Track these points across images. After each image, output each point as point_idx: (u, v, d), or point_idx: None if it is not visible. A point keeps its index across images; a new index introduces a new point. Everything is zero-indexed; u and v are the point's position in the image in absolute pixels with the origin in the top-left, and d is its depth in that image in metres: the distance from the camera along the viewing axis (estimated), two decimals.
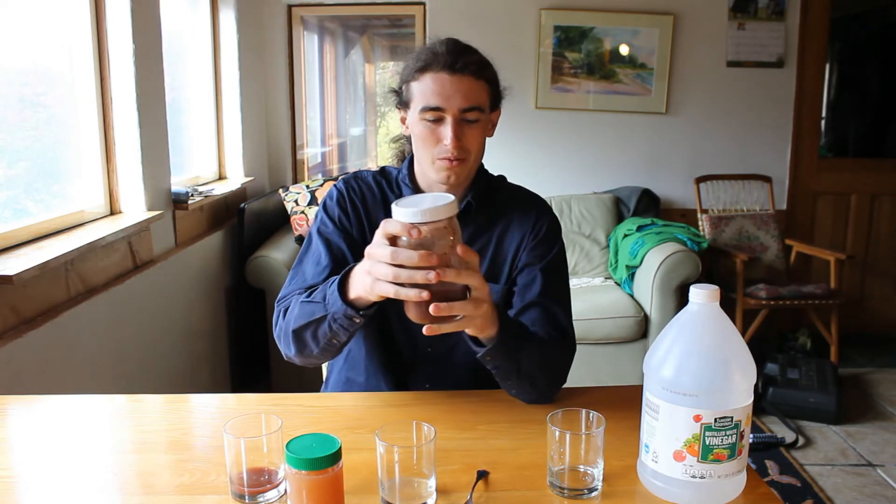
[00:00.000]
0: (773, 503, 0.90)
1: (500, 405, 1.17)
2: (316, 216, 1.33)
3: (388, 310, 1.27)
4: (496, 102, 1.27)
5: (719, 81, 3.71)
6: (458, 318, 0.96)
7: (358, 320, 1.07)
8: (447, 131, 1.18)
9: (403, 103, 1.26)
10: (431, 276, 0.90)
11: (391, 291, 0.94)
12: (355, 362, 1.35)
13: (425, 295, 0.91)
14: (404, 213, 0.90)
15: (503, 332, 1.07)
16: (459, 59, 1.18)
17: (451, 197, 0.93)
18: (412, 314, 0.95)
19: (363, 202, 1.30)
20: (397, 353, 1.31)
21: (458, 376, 1.30)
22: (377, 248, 0.94)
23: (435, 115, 1.19)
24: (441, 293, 0.92)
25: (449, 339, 1.29)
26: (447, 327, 0.96)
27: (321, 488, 0.82)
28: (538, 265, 1.27)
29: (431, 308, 0.92)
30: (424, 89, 1.19)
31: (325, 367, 1.55)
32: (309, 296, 1.14)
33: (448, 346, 1.29)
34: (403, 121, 1.29)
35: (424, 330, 0.95)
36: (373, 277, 0.96)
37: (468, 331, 1.05)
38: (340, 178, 1.36)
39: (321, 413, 1.15)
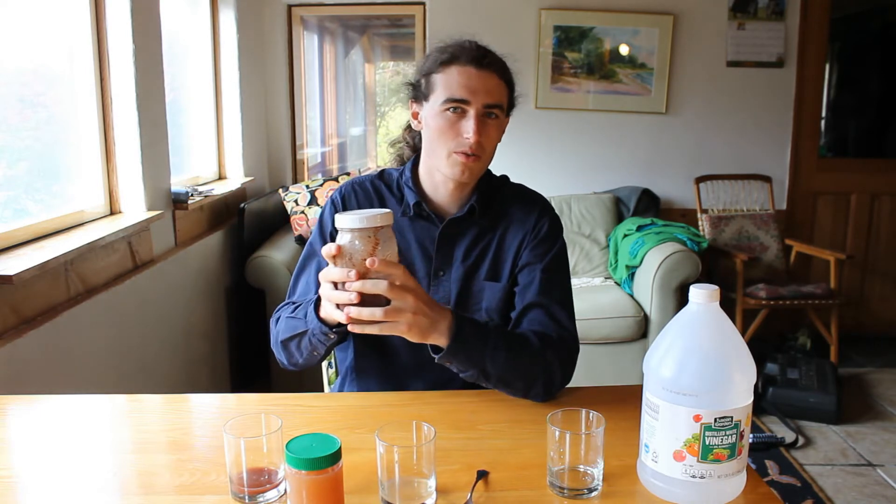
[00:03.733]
0: (773, 503, 0.90)
1: (500, 405, 1.17)
2: (315, 225, 1.35)
3: None
4: (510, 108, 1.28)
5: (719, 81, 3.71)
6: (382, 322, 1.00)
7: (332, 336, 1.13)
8: (469, 125, 1.18)
9: (422, 95, 1.25)
10: (352, 276, 0.95)
11: (328, 294, 1.01)
12: (357, 374, 1.35)
13: (354, 297, 0.97)
14: (338, 217, 0.98)
15: (454, 340, 1.07)
16: (487, 56, 1.20)
17: (384, 212, 0.97)
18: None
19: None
20: (399, 361, 1.30)
21: (463, 381, 1.30)
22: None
23: (458, 107, 1.19)
24: (364, 299, 0.97)
25: None
26: (369, 329, 1.00)
27: (321, 488, 0.82)
28: (538, 265, 1.27)
29: (345, 311, 0.99)
30: (450, 81, 1.19)
31: (325, 379, 1.56)
32: (295, 311, 1.21)
33: None
34: (416, 115, 1.28)
35: (349, 327, 1.00)
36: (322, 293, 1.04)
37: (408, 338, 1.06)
38: (340, 184, 1.36)
39: (321, 413, 1.15)
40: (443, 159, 1.22)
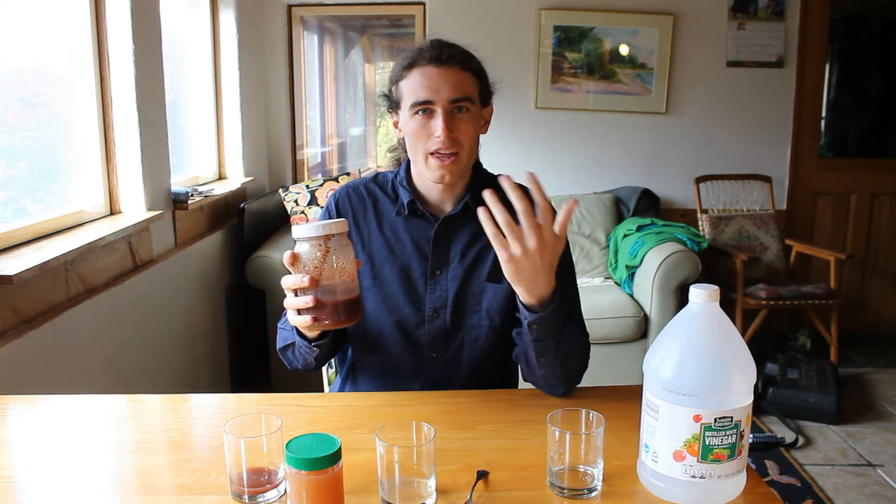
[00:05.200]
0: (773, 503, 0.90)
1: (500, 405, 1.17)
2: None
3: (389, 318, 1.28)
4: (487, 97, 1.27)
5: (719, 81, 3.71)
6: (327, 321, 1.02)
7: (314, 349, 1.17)
8: (438, 123, 1.18)
9: (394, 105, 1.26)
10: (305, 281, 0.98)
11: (286, 302, 1.03)
12: (357, 375, 1.36)
13: (310, 302, 1.00)
14: (293, 228, 1.02)
15: (556, 306, 1.09)
16: (444, 52, 1.20)
17: (336, 221, 0.99)
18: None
19: (354, 216, 1.32)
20: (398, 363, 1.30)
21: (463, 380, 1.30)
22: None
23: (425, 108, 1.19)
24: (319, 302, 1.00)
25: (452, 344, 1.29)
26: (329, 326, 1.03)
27: (321, 488, 0.82)
28: None
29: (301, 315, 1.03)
30: (413, 85, 1.20)
31: (325, 379, 1.56)
32: (286, 322, 1.24)
33: (453, 349, 1.29)
34: (396, 125, 1.29)
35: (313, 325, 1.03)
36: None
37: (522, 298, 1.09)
38: (336, 189, 1.36)
39: (321, 413, 1.15)
40: (422, 164, 1.23)
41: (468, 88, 1.21)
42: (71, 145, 2.17)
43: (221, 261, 3.00)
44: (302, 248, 0.99)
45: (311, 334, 1.15)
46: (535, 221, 1.02)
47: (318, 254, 0.98)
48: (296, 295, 1.01)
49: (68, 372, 1.84)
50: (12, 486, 0.94)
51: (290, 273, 1.01)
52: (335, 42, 4.37)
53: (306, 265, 0.99)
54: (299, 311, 1.02)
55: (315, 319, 1.00)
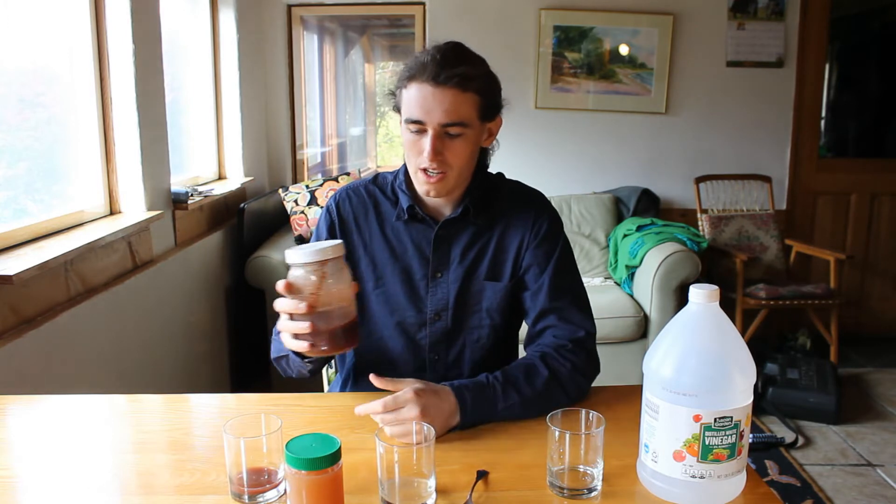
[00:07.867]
0: (773, 503, 0.90)
1: None
2: (313, 234, 1.36)
3: (391, 320, 1.28)
4: (490, 113, 1.23)
5: (719, 81, 3.71)
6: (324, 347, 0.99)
7: (308, 365, 1.17)
8: (426, 144, 1.17)
9: (397, 108, 1.25)
10: (302, 308, 0.95)
11: (280, 325, 1.00)
12: (358, 376, 1.36)
13: (307, 328, 0.96)
14: (287, 253, 0.98)
15: (463, 418, 1.08)
16: (444, 71, 1.13)
17: (331, 244, 0.97)
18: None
19: (355, 219, 1.31)
20: (400, 363, 1.30)
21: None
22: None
23: (416, 126, 1.17)
24: (316, 328, 0.97)
25: (454, 346, 1.29)
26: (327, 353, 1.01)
27: (321, 488, 0.82)
28: (545, 268, 1.27)
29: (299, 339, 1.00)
30: (409, 100, 1.18)
31: (325, 379, 1.56)
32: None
33: (455, 352, 1.30)
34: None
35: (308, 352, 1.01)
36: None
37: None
38: (336, 191, 1.36)
39: (321, 413, 1.16)
40: (413, 174, 1.23)
41: (463, 112, 1.16)
42: (71, 145, 2.17)
43: (221, 261, 3.00)
44: (297, 274, 0.96)
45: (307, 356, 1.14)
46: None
47: (314, 279, 0.95)
48: (291, 319, 0.98)
49: (68, 372, 1.84)
50: (12, 486, 0.94)
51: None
52: (335, 42, 4.37)
53: (303, 291, 0.96)
54: (296, 336, 0.99)
55: (312, 346, 0.98)
